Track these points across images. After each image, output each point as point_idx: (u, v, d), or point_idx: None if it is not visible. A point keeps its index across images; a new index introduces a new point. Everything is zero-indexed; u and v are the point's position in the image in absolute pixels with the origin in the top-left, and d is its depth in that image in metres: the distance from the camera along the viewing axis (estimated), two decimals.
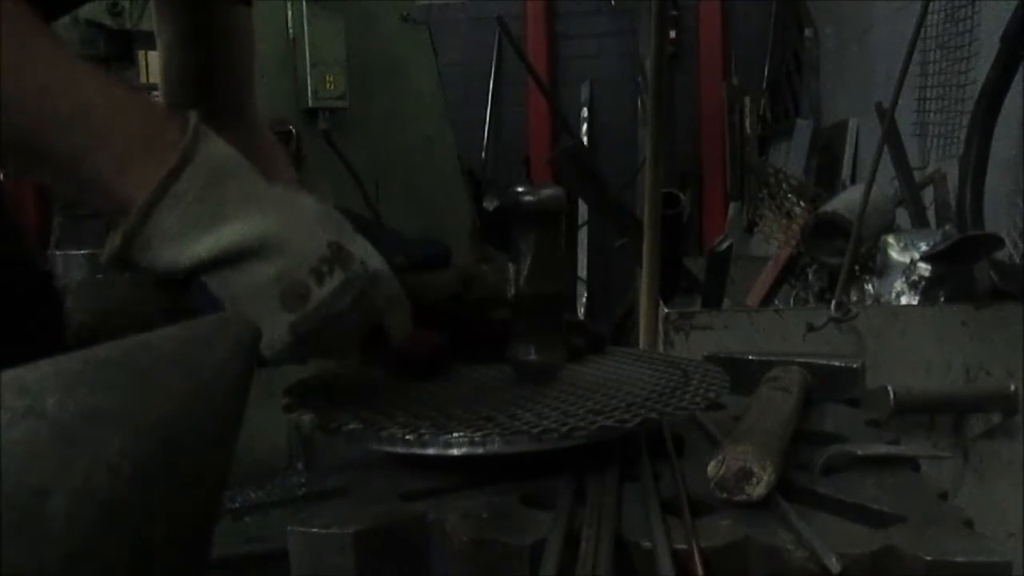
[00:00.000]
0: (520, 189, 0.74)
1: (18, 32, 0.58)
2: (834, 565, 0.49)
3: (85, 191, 0.61)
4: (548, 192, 0.73)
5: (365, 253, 0.64)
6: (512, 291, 0.73)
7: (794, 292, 2.40)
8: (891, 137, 2.46)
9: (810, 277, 2.35)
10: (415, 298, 0.68)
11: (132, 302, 0.65)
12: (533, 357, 0.74)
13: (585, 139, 5.32)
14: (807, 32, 4.56)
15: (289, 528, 0.56)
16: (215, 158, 0.61)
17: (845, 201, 2.22)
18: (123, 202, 0.59)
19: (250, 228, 0.60)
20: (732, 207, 4.88)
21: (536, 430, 0.62)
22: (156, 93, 1.04)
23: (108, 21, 2.53)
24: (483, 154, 5.35)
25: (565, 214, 0.76)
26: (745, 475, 0.58)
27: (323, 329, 0.62)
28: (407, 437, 0.62)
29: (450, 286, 0.73)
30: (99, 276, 0.68)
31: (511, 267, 0.74)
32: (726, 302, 2.33)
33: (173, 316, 0.64)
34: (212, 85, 1.01)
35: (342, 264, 0.62)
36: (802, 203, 2.47)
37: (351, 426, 0.64)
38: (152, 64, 3.40)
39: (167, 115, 0.63)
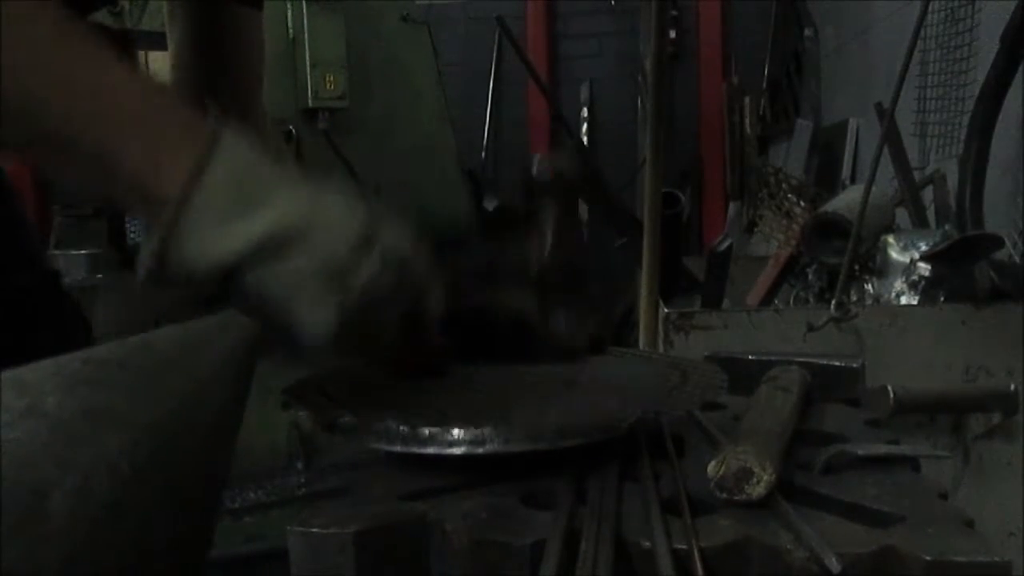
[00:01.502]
0: (539, 159, 0.73)
1: (47, 30, 0.58)
2: (834, 565, 0.49)
3: (117, 186, 0.60)
4: (564, 160, 0.73)
5: (396, 234, 0.64)
6: (535, 267, 0.72)
7: (794, 292, 2.40)
8: (891, 137, 2.46)
9: (810, 277, 2.34)
10: (447, 278, 0.67)
11: (162, 313, 0.64)
12: (561, 332, 0.73)
13: (585, 139, 5.33)
14: (807, 32, 4.56)
15: (289, 528, 0.56)
16: (241, 147, 0.60)
17: (845, 201, 2.22)
18: (157, 195, 0.58)
19: (285, 214, 0.59)
20: (732, 207, 4.88)
21: (531, 429, 0.62)
22: None
23: (108, 21, 2.53)
24: (483, 154, 5.35)
25: (583, 184, 0.75)
26: (745, 475, 0.58)
27: (367, 311, 0.61)
28: (402, 429, 0.62)
29: (476, 266, 0.73)
30: (126, 279, 0.66)
31: (532, 243, 0.72)
32: (726, 302, 2.33)
33: None
34: (220, 86, 1.01)
35: (378, 243, 0.62)
36: (802, 203, 2.47)
37: (345, 420, 0.64)
38: (152, 64, 3.41)
39: (191, 106, 0.62)
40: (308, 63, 3.02)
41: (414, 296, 0.65)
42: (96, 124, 0.58)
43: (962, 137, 2.38)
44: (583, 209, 4.71)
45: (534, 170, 0.72)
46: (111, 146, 0.58)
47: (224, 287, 0.60)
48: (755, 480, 0.57)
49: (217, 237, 0.58)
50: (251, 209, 0.59)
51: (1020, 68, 2.14)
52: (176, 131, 0.60)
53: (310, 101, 3.03)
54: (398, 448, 0.64)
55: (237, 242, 0.58)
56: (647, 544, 0.53)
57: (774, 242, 2.53)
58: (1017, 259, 2.08)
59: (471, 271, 0.73)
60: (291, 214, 0.59)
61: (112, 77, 0.60)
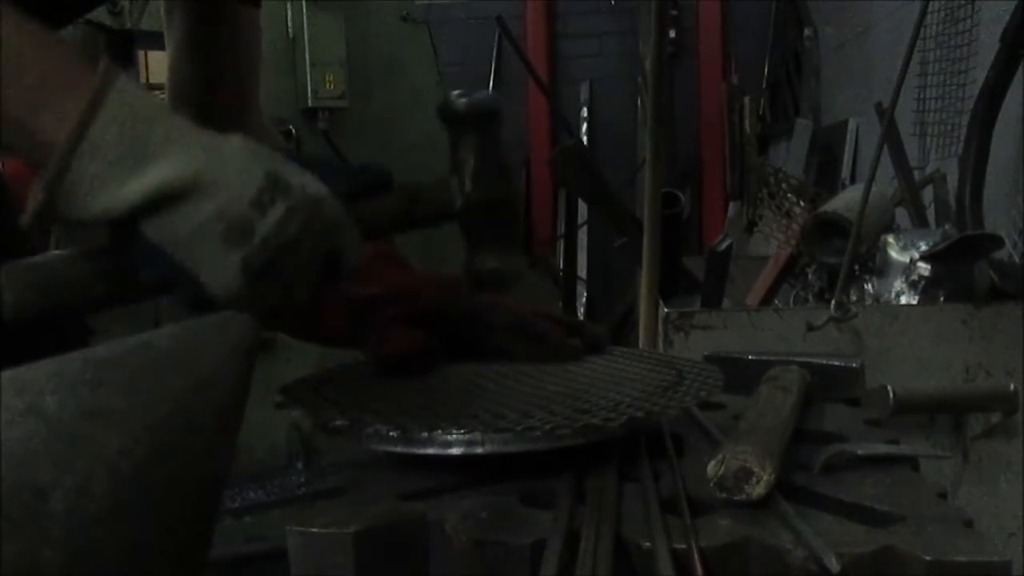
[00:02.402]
0: (454, 94, 0.72)
1: None
2: (833, 565, 0.49)
3: (6, 130, 0.58)
4: (480, 94, 0.72)
5: (303, 181, 0.62)
6: (459, 202, 0.70)
7: (794, 292, 2.40)
8: (891, 137, 2.46)
9: (810, 277, 2.35)
10: (362, 223, 0.66)
11: (68, 273, 0.63)
12: (491, 266, 0.71)
13: (585, 139, 5.32)
14: (807, 32, 4.56)
15: (288, 528, 0.56)
16: (130, 101, 0.59)
17: (845, 201, 2.22)
18: (42, 142, 0.57)
19: (178, 167, 0.58)
20: (732, 207, 4.88)
21: (519, 428, 0.62)
22: (160, 94, 1.04)
23: (108, 21, 2.53)
24: None
25: (500, 116, 0.73)
26: (745, 475, 0.58)
27: (274, 263, 0.60)
28: (391, 434, 0.62)
29: (394, 208, 0.71)
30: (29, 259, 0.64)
31: (454, 178, 0.71)
32: (726, 302, 2.33)
33: (112, 279, 0.63)
34: (218, 85, 1.01)
35: (282, 192, 0.60)
36: (802, 203, 2.47)
37: (337, 423, 0.64)
38: (152, 64, 3.40)
39: (83, 58, 0.60)
40: (308, 62, 3.02)
41: (327, 244, 0.63)
42: None
43: (962, 137, 2.38)
44: (583, 210, 4.71)
45: (455, 102, 0.71)
46: (2, 93, 0.57)
47: (121, 237, 0.59)
48: (755, 480, 0.57)
49: (108, 186, 0.57)
50: (143, 158, 0.57)
51: (1020, 67, 2.14)
52: (64, 77, 0.58)
53: (310, 101, 3.03)
54: (399, 449, 0.64)
55: (129, 193, 0.57)
56: (647, 544, 0.53)
57: (774, 242, 2.53)
58: (1017, 259, 2.08)
59: (387, 214, 0.71)
60: (186, 164, 0.58)
61: (7, 28, 0.58)
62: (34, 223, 0.59)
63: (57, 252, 0.63)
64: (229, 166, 0.60)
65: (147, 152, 0.58)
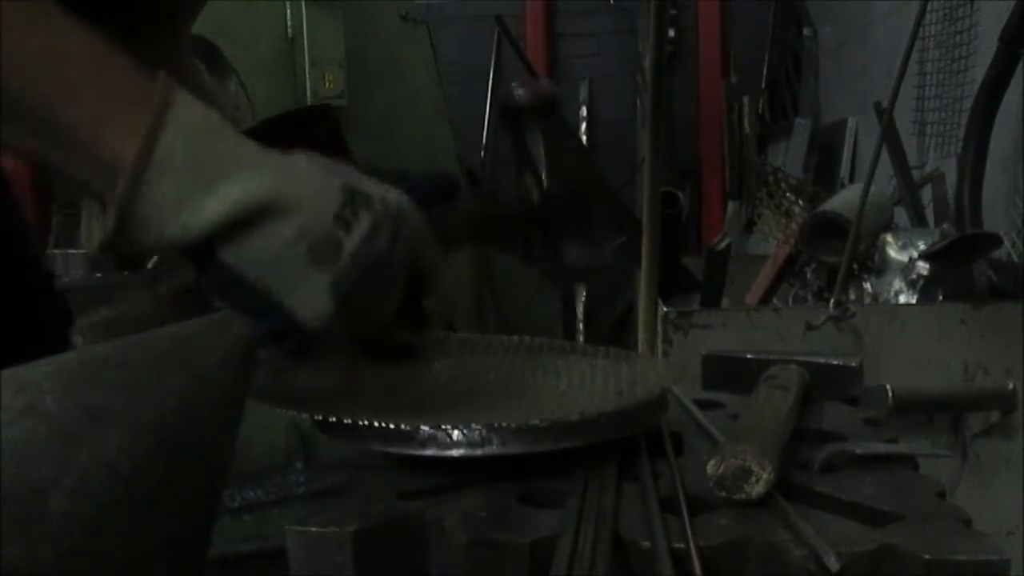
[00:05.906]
0: (512, 86, 0.70)
1: None
2: (833, 563, 0.49)
3: (64, 147, 0.54)
4: (540, 83, 0.70)
5: (382, 192, 0.58)
6: (536, 197, 0.67)
7: (793, 291, 2.40)
8: (889, 136, 2.46)
9: (809, 276, 2.35)
10: (441, 232, 0.62)
11: (148, 321, 0.61)
12: (579, 257, 0.69)
13: (584, 138, 5.33)
14: (806, 31, 4.56)
15: (287, 527, 0.56)
16: (193, 117, 0.54)
17: (844, 200, 2.22)
18: (107, 161, 0.53)
19: (253, 185, 0.53)
20: (731, 206, 4.88)
21: (529, 429, 0.61)
22: None
23: None
24: (483, 154, 5.35)
25: (561, 104, 0.69)
26: (744, 474, 0.58)
27: (365, 282, 0.55)
28: (391, 434, 0.62)
29: (472, 214, 0.68)
30: (103, 311, 0.61)
31: (527, 175, 0.68)
32: (725, 301, 2.33)
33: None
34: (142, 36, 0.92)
35: (364, 205, 0.56)
36: (801, 202, 2.47)
37: (335, 420, 0.64)
38: None
39: (146, 71, 0.55)
40: (307, 62, 3.01)
41: (413, 258, 0.59)
42: (44, 82, 0.52)
43: (960, 136, 2.38)
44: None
45: (515, 95, 0.68)
46: (59, 106, 0.53)
47: (195, 267, 0.55)
48: (754, 479, 0.57)
49: (182, 207, 0.53)
50: (216, 176, 0.53)
51: (1018, 67, 2.14)
52: (128, 92, 0.54)
53: (309, 100, 3.03)
54: (398, 449, 0.64)
55: (205, 214, 0.53)
56: (646, 543, 0.53)
57: (773, 241, 2.53)
58: (1015, 258, 2.08)
59: (467, 220, 0.68)
60: (261, 182, 0.54)
61: (65, 36, 0.54)
62: (105, 251, 0.54)
63: (131, 301, 0.60)
64: (305, 182, 0.56)
65: (217, 170, 0.53)
